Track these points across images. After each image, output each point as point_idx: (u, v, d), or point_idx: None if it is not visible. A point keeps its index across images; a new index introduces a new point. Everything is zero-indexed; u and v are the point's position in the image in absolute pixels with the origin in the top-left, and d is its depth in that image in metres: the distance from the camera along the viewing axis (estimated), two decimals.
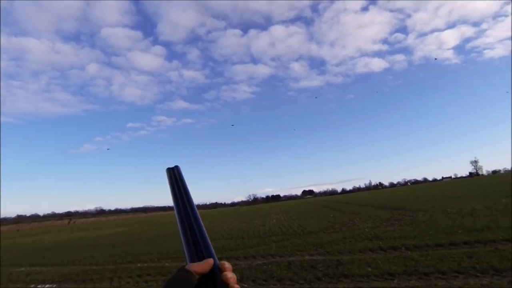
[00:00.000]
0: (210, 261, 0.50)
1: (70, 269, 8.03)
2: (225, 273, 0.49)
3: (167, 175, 0.69)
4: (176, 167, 0.71)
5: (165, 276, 6.16)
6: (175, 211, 0.54)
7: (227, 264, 0.50)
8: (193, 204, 0.58)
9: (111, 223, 48.12)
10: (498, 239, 5.70)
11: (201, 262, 0.50)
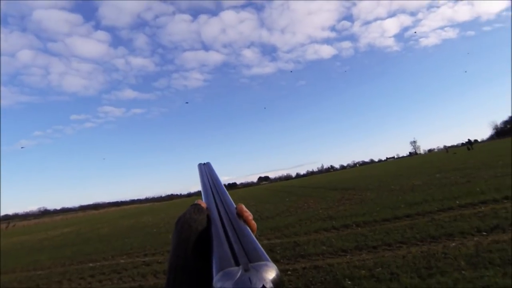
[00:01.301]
0: None
1: (10, 277, 7.31)
2: (240, 204, 0.48)
3: (198, 171, 0.70)
4: (208, 163, 0.72)
5: (120, 273, 5.89)
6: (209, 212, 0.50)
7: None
8: (228, 199, 0.55)
9: (58, 223, 44.59)
10: (434, 210, 6.33)
11: None
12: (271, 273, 0.32)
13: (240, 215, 0.45)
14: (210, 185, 0.62)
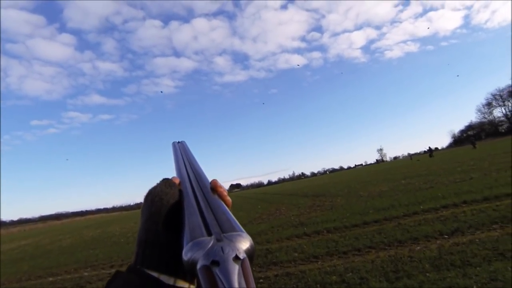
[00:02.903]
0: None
1: None
2: (215, 179, 0.46)
3: (172, 149, 0.66)
4: (183, 142, 0.70)
5: (84, 287, 5.56)
6: (182, 187, 0.47)
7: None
8: (203, 174, 0.52)
9: (14, 235, 41.38)
10: (400, 215, 6.58)
11: None
12: (244, 243, 0.30)
13: (214, 189, 0.43)
14: (184, 162, 0.59)
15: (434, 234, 4.84)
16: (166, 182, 0.45)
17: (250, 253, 0.30)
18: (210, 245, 0.29)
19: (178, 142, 0.71)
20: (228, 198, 0.43)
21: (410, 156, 73.96)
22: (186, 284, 0.37)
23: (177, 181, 0.47)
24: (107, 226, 22.73)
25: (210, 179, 0.47)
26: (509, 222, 4.70)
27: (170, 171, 0.57)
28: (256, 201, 20.76)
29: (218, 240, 0.30)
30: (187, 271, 0.30)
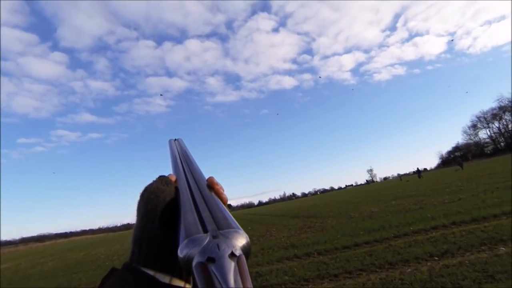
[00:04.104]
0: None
1: None
2: (211, 177, 0.46)
3: (169, 147, 0.66)
4: (179, 139, 0.70)
5: None
6: (178, 184, 0.46)
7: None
8: (199, 171, 0.52)
9: None
10: (391, 237, 6.56)
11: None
12: (240, 240, 0.30)
13: (211, 187, 0.43)
14: (180, 159, 0.59)
15: (424, 256, 4.82)
16: (162, 179, 0.45)
17: (246, 250, 0.30)
18: (205, 242, 0.29)
19: (175, 139, 0.71)
20: (225, 196, 0.44)
21: (400, 176, 74.78)
22: (182, 283, 0.37)
23: (173, 178, 0.47)
24: (92, 249, 21.95)
25: (206, 177, 0.47)
26: (497, 243, 4.73)
27: (167, 170, 0.57)
28: (247, 222, 20.45)
29: (214, 237, 0.30)
30: (183, 268, 0.29)
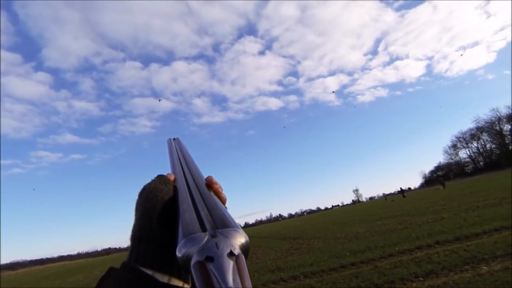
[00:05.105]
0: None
1: None
2: (210, 176, 0.46)
3: (167, 146, 0.66)
4: (178, 138, 0.70)
5: None
6: (176, 184, 0.46)
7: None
8: (198, 170, 0.52)
9: None
10: (377, 257, 6.53)
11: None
12: (239, 239, 0.30)
13: (209, 186, 0.43)
14: (179, 158, 0.59)
15: (409, 276, 4.81)
16: (160, 178, 0.44)
17: (245, 249, 0.30)
18: (204, 241, 0.29)
19: (174, 138, 0.71)
20: (224, 195, 0.44)
21: (385, 196, 75.56)
22: (180, 282, 0.36)
23: (172, 177, 0.47)
24: (69, 276, 20.85)
25: (205, 176, 0.47)
26: (479, 262, 4.78)
27: (166, 169, 0.56)
28: None
29: (213, 236, 0.30)
30: (181, 268, 0.29)
